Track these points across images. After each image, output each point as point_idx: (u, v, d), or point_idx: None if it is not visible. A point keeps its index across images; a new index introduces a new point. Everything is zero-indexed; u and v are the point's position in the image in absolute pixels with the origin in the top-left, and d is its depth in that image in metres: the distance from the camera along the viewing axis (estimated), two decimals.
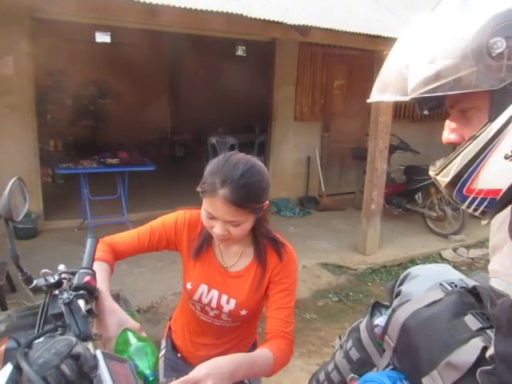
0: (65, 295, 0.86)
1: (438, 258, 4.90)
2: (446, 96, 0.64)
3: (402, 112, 7.15)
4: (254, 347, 1.44)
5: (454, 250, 5.09)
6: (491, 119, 0.60)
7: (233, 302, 1.27)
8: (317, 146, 6.58)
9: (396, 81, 0.66)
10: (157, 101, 9.24)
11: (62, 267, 0.98)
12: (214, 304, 1.29)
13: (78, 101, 8.62)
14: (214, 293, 1.28)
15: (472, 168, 0.62)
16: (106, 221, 4.65)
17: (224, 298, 1.27)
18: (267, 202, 1.19)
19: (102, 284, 1.04)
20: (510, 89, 0.57)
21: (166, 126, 9.78)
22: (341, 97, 6.76)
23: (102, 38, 8.62)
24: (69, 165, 4.72)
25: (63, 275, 0.94)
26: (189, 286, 1.30)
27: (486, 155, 0.60)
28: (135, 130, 8.56)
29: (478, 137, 0.61)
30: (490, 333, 0.89)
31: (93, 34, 8.39)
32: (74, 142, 7.92)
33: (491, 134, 0.59)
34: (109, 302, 1.00)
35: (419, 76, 0.61)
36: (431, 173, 0.70)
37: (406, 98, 0.64)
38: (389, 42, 3.75)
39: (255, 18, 3.09)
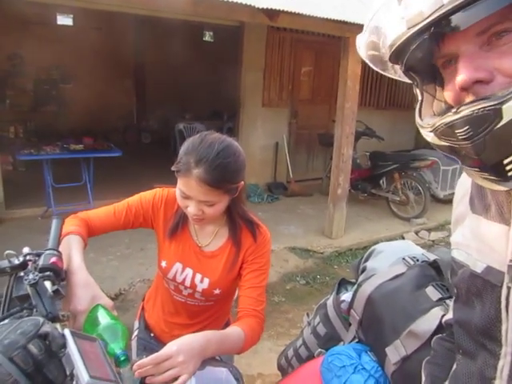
0: (30, 276, 0.83)
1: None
2: (476, 19, 0.50)
3: (368, 99, 7.28)
4: (227, 327, 1.45)
5: (416, 232, 5.28)
6: None
7: (206, 280, 1.28)
8: (284, 132, 6.62)
9: None
10: (122, 86, 9.00)
11: (26, 249, 0.96)
12: (187, 283, 1.29)
13: (40, 86, 8.26)
14: (189, 271, 1.29)
15: None
16: (71, 208, 4.52)
17: (198, 276, 1.28)
18: (242, 182, 1.19)
19: (75, 256, 1.02)
20: None
21: (131, 112, 9.56)
22: (308, 83, 6.80)
23: (64, 20, 8.24)
24: (31, 151, 4.55)
25: (28, 257, 0.92)
26: (163, 264, 1.30)
27: None
28: (100, 116, 8.32)
29: None
30: (449, 302, 0.94)
31: (54, 16, 8.02)
32: (35, 128, 7.62)
33: None
34: (83, 274, 0.98)
35: None
36: (481, 104, 0.51)
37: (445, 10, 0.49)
38: (355, 28, 3.80)
39: (223, 0, 3.05)
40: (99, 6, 4.14)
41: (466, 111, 0.52)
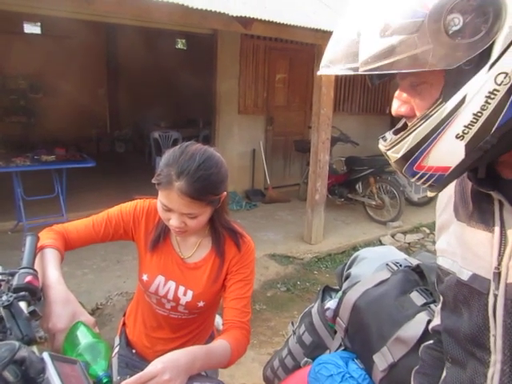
0: (4, 298, 0.80)
1: (378, 244, 5.12)
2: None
3: (342, 105, 7.38)
4: (211, 339, 1.42)
5: (393, 235, 5.36)
6: (445, 99, 0.58)
7: (190, 293, 1.25)
8: (261, 138, 6.63)
9: (346, 53, 0.61)
10: (94, 95, 8.85)
11: None
12: (170, 296, 1.26)
13: (6, 96, 8.05)
14: (171, 284, 1.25)
15: (423, 147, 0.61)
16: (44, 221, 4.38)
17: (181, 289, 1.25)
18: (225, 193, 1.17)
19: (52, 270, 0.98)
20: (465, 68, 0.55)
21: (104, 121, 9.40)
22: (283, 90, 6.85)
23: (31, 28, 8.06)
24: None
25: (0, 277, 0.87)
26: (145, 277, 1.26)
27: (438, 135, 0.59)
28: (72, 125, 8.14)
29: (430, 116, 0.60)
30: (434, 307, 0.94)
31: (21, 24, 7.83)
32: (3, 139, 7.37)
33: (444, 114, 0.58)
34: (62, 289, 0.94)
35: (371, 50, 0.57)
36: (382, 147, 0.68)
37: (356, 72, 0.60)
38: (327, 35, 3.84)
39: (196, 9, 3.03)
40: (70, 14, 4.06)
41: (379, 145, 0.70)
